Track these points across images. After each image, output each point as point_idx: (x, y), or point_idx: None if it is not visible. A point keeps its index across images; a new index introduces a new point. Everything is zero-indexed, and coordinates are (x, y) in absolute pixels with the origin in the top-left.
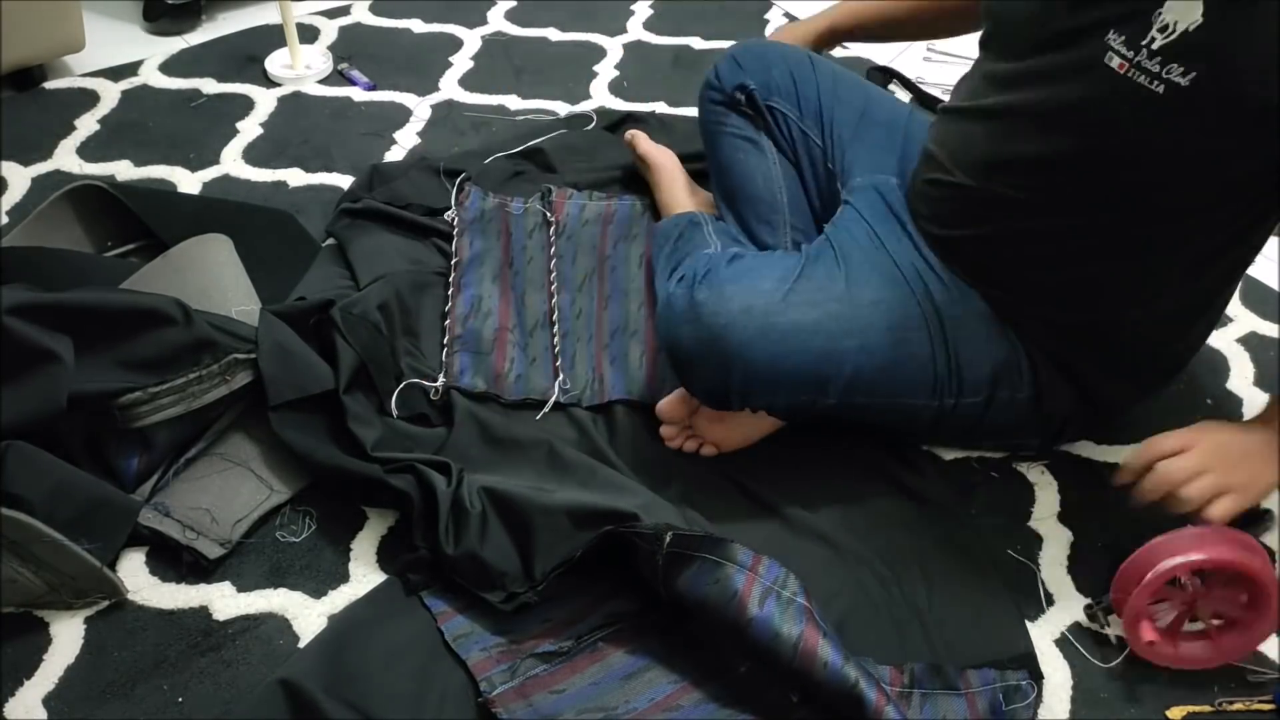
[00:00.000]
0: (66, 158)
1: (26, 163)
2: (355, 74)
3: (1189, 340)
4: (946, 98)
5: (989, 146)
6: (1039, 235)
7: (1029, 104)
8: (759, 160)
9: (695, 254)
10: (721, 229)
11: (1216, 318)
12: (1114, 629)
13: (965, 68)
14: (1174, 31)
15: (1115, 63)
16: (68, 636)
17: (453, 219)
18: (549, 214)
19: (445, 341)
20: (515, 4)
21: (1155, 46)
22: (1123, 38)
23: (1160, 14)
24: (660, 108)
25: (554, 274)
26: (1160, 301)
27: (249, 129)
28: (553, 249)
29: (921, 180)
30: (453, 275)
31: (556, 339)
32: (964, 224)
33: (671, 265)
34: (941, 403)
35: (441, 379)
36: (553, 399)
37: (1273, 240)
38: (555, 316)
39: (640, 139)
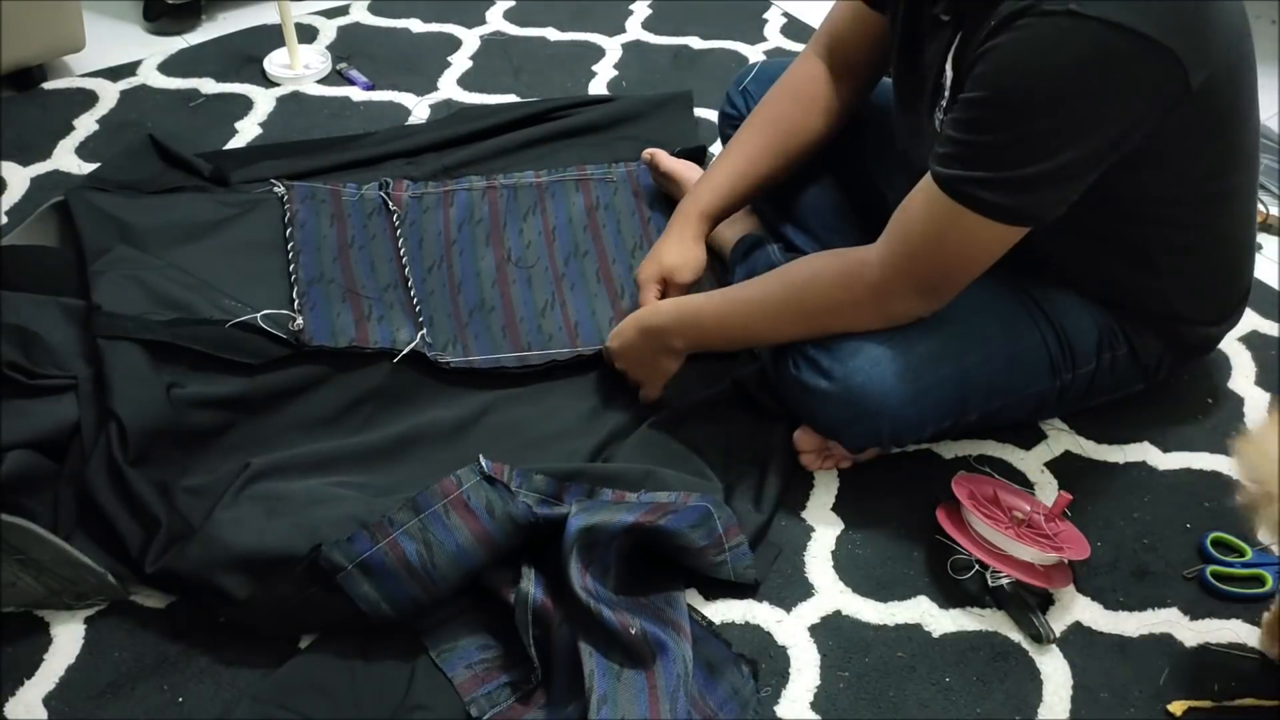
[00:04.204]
0: (65, 158)
1: (26, 163)
2: (354, 74)
3: (1240, 268)
4: None
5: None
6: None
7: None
8: (807, 174)
9: None
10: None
11: (1250, 244)
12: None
13: None
14: (944, 91)
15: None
16: (68, 636)
17: (282, 195)
18: (389, 202)
19: (294, 295)
20: (514, 4)
21: (944, 104)
22: (935, 109)
23: (942, 82)
24: None
25: (403, 252)
26: (1179, 256)
27: (248, 129)
28: (398, 231)
29: None
30: (290, 240)
31: (415, 298)
32: None
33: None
34: (1061, 380)
35: (300, 320)
36: (412, 344)
37: (1273, 240)
38: (410, 284)
39: (661, 156)
